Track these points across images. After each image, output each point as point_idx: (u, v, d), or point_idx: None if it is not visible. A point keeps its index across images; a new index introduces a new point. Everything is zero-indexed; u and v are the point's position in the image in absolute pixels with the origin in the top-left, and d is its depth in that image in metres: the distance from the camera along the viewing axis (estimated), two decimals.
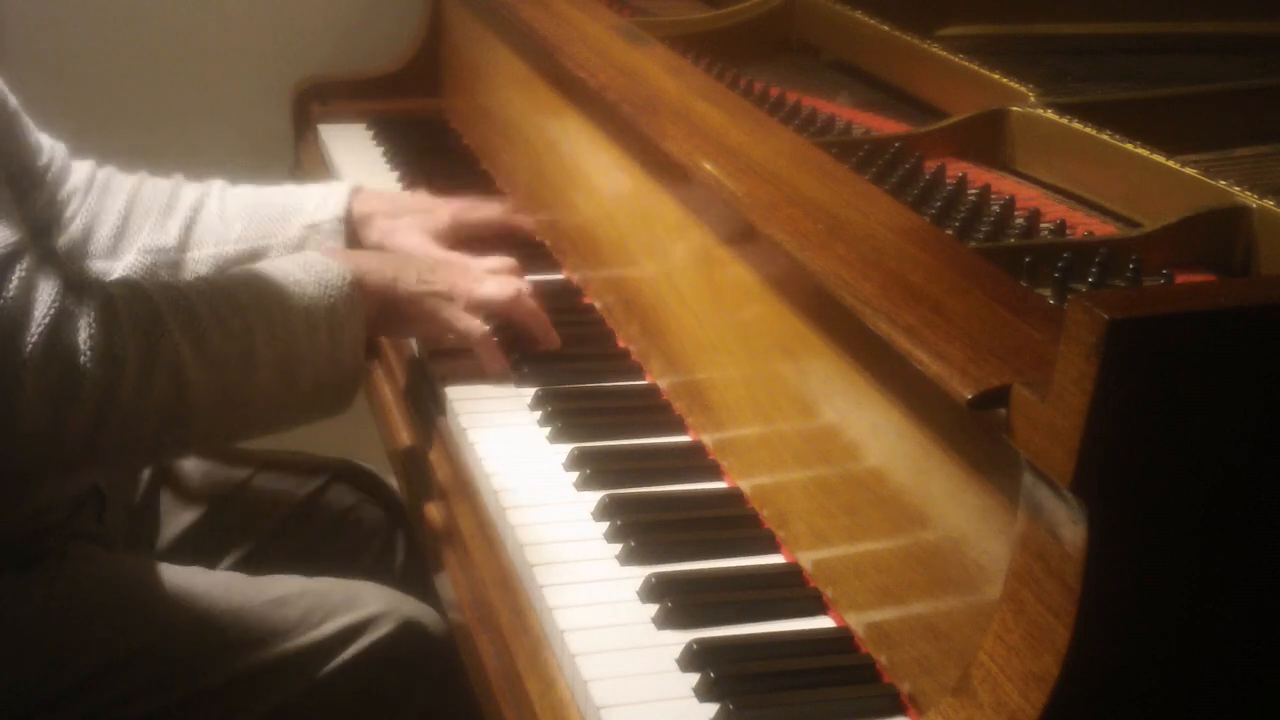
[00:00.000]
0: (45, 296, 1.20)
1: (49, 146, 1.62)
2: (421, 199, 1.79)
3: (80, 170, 1.64)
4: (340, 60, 2.48)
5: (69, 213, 1.61)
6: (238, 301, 1.32)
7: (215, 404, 1.29)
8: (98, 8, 2.41)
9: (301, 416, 1.39)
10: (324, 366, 1.36)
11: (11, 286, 1.19)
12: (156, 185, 1.66)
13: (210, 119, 2.48)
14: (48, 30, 2.21)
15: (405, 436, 1.57)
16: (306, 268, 1.39)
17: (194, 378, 1.26)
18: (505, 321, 1.54)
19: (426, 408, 1.55)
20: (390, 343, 1.71)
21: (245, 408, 1.32)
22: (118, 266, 1.60)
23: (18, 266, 1.20)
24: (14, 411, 1.19)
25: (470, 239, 1.73)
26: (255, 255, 1.60)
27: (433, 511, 1.42)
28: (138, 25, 2.44)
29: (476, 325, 1.50)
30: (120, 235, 1.61)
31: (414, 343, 1.63)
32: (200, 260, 1.61)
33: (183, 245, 1.61)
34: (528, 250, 1.85)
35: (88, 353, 1.20)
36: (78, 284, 1.25)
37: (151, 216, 1.62)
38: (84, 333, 1.21)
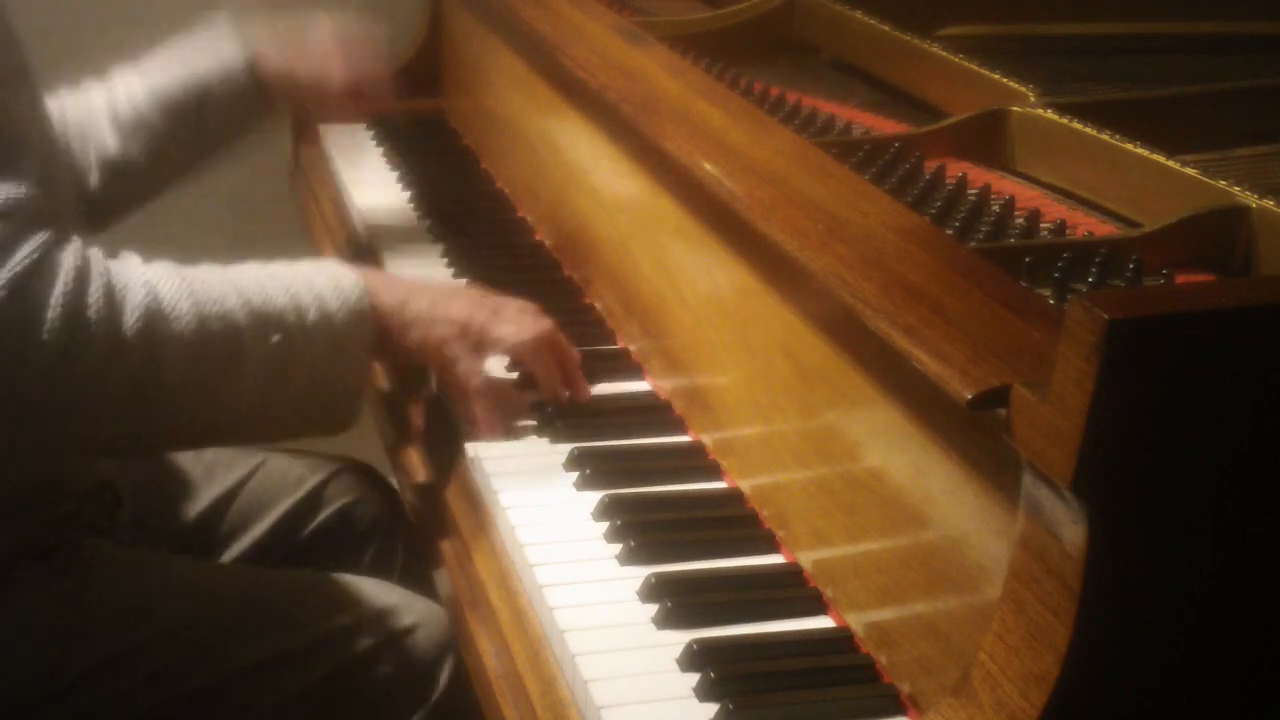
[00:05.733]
0: (28, 246, 1.18)
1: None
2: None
3: None
4: None
5: None
6: (222, 292, 1.27)
7: (191, 389, 1.24)
8: (97, 7, 2.41)
9: (295, 425, 1.34)
10: (323, 371, 1.31)
11: None
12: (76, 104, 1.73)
13: None
14: (46, 30, 2.21)
15: (404, 438, 1.58)
16: (320, 270, 1.36)
17: (169, 357, 1.22)
18: (522, 367, 1.47)
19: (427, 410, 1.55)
20: None
21: (227, 399, 1.27)
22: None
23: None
24: None
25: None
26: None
27: (432, 510, 1.42)
28: (137, 25, 2.43)
29: (475, 372, 1.40)
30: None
31: None
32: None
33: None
34: (528, 250, 1.86)
35: (56, 307, 1.17)
36: (66, 240, 1.22)
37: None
38: (58, 287, 1.18)
